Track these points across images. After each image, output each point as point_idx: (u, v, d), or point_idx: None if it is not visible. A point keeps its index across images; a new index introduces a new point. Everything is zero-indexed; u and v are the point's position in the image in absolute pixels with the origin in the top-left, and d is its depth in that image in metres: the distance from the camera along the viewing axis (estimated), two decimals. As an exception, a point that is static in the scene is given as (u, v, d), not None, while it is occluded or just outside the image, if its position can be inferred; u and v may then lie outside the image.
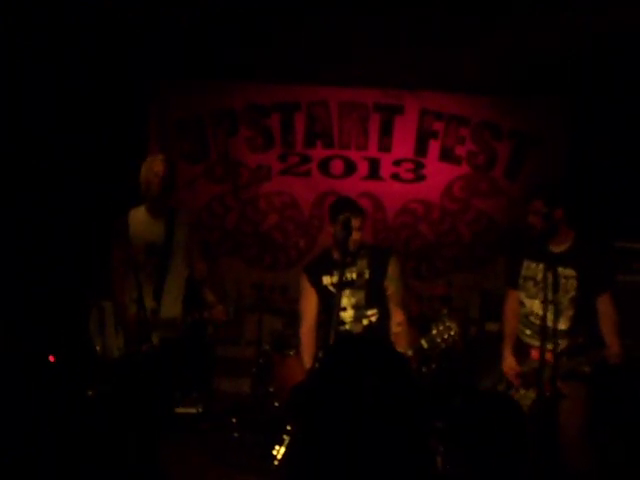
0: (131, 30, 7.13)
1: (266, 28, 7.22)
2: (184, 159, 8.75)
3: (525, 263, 5.65)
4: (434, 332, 5.25)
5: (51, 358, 6.37)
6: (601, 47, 7.18)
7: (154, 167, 5.81)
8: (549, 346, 5.15)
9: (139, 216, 5.95)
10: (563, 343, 5.31)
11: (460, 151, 8.76)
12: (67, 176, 7.50)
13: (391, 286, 5.78)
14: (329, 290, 5.79)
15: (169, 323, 5.82)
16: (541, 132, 8.57)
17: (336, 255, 5.75)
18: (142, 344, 5.61)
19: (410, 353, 5.31)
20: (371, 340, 2.54)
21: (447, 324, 5.24)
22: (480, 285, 8.12)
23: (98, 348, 5.79)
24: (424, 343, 5.30)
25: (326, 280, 5.82)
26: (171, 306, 5.91)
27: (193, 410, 7.51)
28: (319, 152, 8.85)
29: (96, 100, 7.87)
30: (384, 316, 5.72)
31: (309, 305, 5.94)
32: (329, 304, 5.78)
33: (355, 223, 5.70)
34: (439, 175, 8.80)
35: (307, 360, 5.83)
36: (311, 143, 8.84)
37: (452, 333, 5.25)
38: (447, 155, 8.76)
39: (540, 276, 5.45)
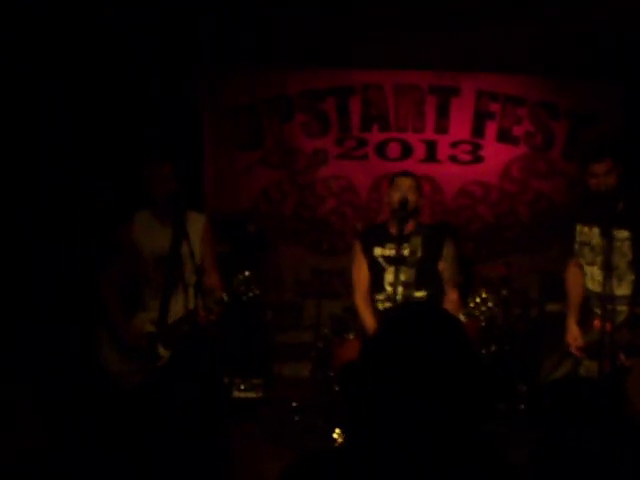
0: (183, 18, 7.15)
1: (319, 13, 7.21)
2: (240, 146, 8.80)
3: (578, 228, 5.52)
4: (472, 305, 5.23)
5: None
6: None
7: (164, 170, 5.49)
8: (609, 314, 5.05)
9: (144, 222, 5.62)
10: (623, 312, 5.21)
11: (518, 131, 8.68)
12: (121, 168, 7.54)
13: (446, 267, 5.77)
14: (379, 262, 5.80)
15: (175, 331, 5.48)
16: (597, 111, 8.47)
17: (392, 229, 5.75)
18: (149, 364, 5.43)
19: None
20: (428, 305, 2.54)
21: (484, 296, 5.21)
22: (540, 266, 8.05)
23: (112, 375, 5.43)
24: (462, 317, 5.29)
25: (377, 251, 5.82)
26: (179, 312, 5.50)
27: (253, 395, 7.56)
28: (375, 135, 8.82)
29: (148, 88, 7.92)
30: (433, 299, 5.69)
31: (361, 274, 5.92)
32: (377, 277, 5.80)
33: (407, 182, 5.74)
34: (497, 156, 8.74)
35: (369, 321, 5.73)
36: (367, 127, 8.81)
37: (490, 305, 5.22)
38: (505, 136, 8.69)
39: (595, 241, 5.35)
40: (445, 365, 2.19)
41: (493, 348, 7.27)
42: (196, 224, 5.64)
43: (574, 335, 5.50)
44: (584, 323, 5.51)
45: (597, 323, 5.27)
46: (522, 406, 7.06)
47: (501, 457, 2.26)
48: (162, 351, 5.47)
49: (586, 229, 5.45)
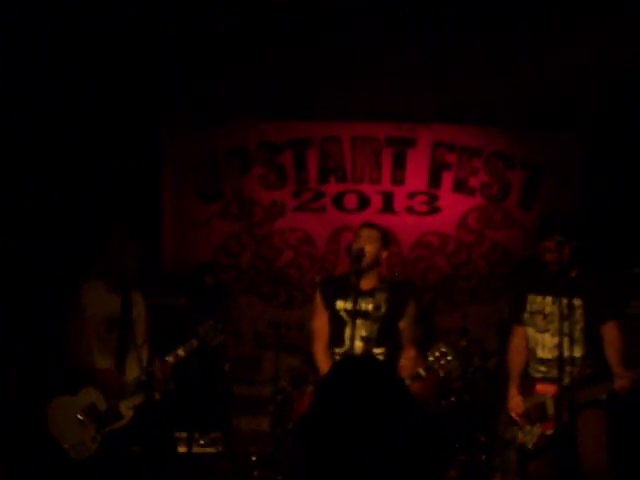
0: (143, 70, 7.17)
1: (276, 65, 7.26)
2: (199, 198, 8.78)
3: (530, 297, 5.61)
4: (431, 359, 5.25)
5: None
6: (613, 78, 7.21)
7: (127, 245, 5.71)
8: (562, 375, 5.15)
9: (95, 289, 5.74)
10: (575, 372, 5.28)
11: (474, 182, 8.73)
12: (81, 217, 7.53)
13: (407, 326, 5.76)
14: (340, 316, 5.75)
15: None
16: (553, 161, 8.55)
17: (354, 280, 5.68)
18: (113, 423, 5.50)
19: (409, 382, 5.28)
20: (374, 362, 2.56)
21: (442, 350, 5.23)
22: (496, 316, 8.08)
23: (67, 447, 5.39)
24: (421, 371, 5.30)
25: (340, 305, 5.76)
26: (134, 373, 5.65)
27: (212, 450, 7.48)
28: (333, 187, 8.83)
29: (106, 139, 7.92)
30: (391, 356, 5.68)
31: (322, 324, 5.85)
32: (338, 330, 5.75)
33: (367, 232, 5.73)
34: (454, 207, 8.77)
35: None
36: (324, 179, 8.82)
37: (449, 359, 5.24)
38: (461, 186, 8.74)
39: (549, 309, 5.45)
40: (385, 415, 2.22)
41: (452, 399, 7.28)
42: (140, 302, 5.89)
43: (517, 403, 5.57)
44: (525, 389, 5.59)
45: (540, 388, 5.43)
46: (483, 456, 7.06)
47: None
48: (125, 410, 5.51)
49: (539, 298, 5.55)
